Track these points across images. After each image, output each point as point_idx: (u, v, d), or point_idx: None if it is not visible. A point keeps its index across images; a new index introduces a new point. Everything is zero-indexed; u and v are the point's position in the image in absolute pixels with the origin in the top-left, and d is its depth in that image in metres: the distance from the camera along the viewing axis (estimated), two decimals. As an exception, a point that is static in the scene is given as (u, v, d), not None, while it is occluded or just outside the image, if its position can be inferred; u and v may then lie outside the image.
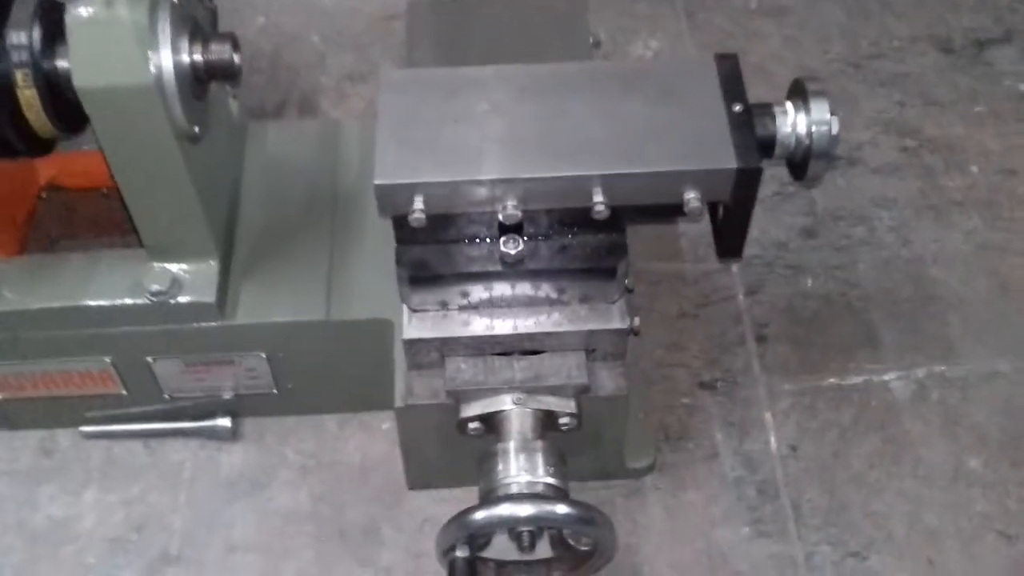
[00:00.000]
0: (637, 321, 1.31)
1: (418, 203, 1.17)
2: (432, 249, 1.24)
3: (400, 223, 1.21)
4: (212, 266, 1.35)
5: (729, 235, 1.27)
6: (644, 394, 1.51)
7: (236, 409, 1.51)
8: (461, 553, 1.17)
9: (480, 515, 1.16)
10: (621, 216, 1.22)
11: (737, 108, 1.20)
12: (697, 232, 1.70)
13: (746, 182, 1.18)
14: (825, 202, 1.73)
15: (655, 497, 1.46)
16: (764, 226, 1.70)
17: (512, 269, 1.23)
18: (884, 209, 1.72)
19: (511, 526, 1.18)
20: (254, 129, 1.53)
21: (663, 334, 1.60)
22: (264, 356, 1.41)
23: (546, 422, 1.28)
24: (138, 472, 1.49)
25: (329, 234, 1.43)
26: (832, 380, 1.55)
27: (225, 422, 1.49)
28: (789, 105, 1.23)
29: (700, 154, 1.17)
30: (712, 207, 1.26)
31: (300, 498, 1.46)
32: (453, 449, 1.35)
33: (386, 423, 1.51)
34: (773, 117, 1.22)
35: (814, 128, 1.22)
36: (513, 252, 1.22)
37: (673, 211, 1.21)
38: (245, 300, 1.37)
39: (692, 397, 1.54)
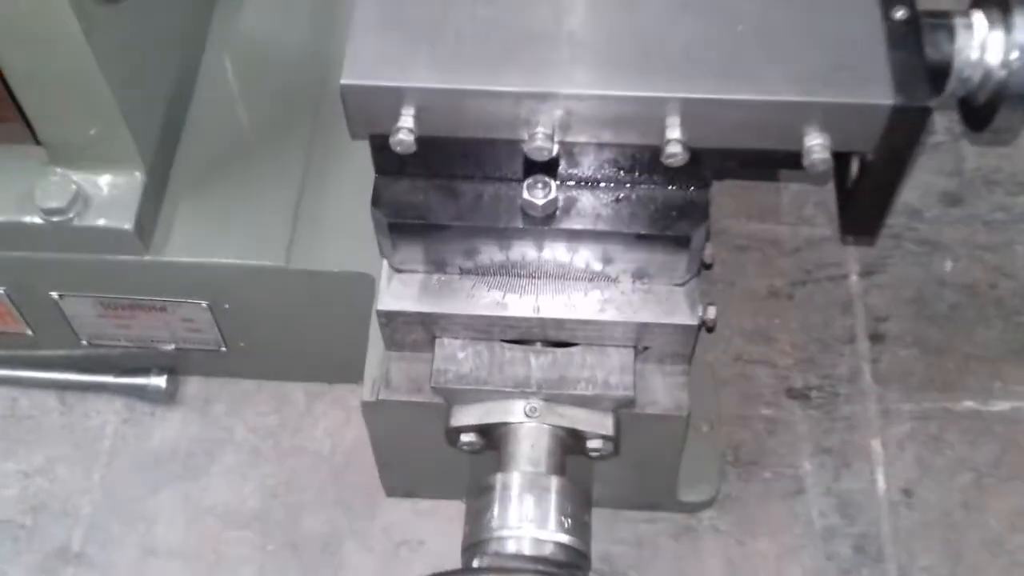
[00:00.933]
0: (712, 312, 0.93)
1: (405, 118, 0.78)
2: (425, 187, 0.86)
3: (379, 147, 0.83)
4: (135, 180, 0.98)
5: (864, 204, 0.86)
6: (711, 399, 1.12)
7: (177, 365, 1.16)
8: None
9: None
10: (705, 163, 0.82)
11: (899, 14, 0.79)
12: (801, 184, 1.29)
13: (904, 127, 0.77)
14: (977, 160, 1.31)
15: (714, 541, 1.08)
16: (894, 184, 1.29)
17: (538, 226, 0.85)
18: (1058, 175, 1.30)
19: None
20: (224, 3, 1.15)
21: (745, 318, 1.21)
22: (205, 306, 1.05)
23: (569, 444, 0.91)
24: (46, 435, 1.15)
25: (304, 152, 1.05)
26: (969, 403, 1.15)
27: (159, 381, 1.15)
28: (978, 16, 0.82)
29: (837, 80, 0.76)
30: (842, 160, 0.86)
31: (246, 492, 1.12)
32: (442, 457, 0.98)
33: (369, 402, 1.16)
34: (952, 32, 0.81)
35: (1015, 55, 0.80)
36: (540, 202, 0.83)
37: (785, 162, 0.82)
38: (180, 231, 1.01)
39: (776, 408, 1.16)
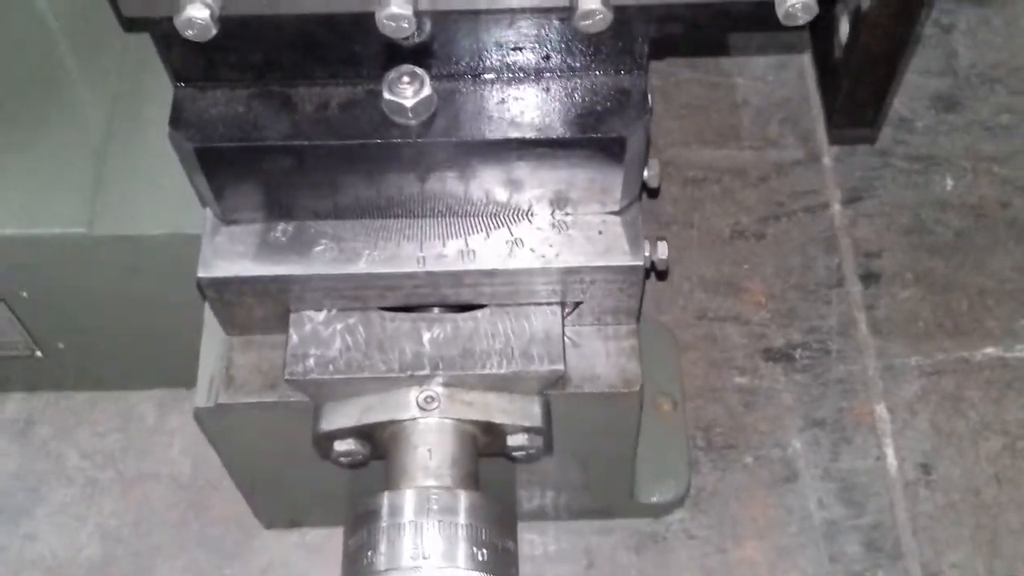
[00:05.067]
0: (663, 250, 0.68)
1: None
2: (246, 97, 0.61)
3: (168, 37, 0.57)
4: None
5: (862, 79, 0.62)
6: (671, 369, 0.88)
7: (-10, 380, 0.90)
8: None
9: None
10: (636, 30, 0.58)
11: None
12: (764, 98, 1.06)
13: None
14: (971, 55, 1.08)
15: (687, 551, 0.84)
16: (874, 92, 1.05)
17: (410, 139, 0.60)
18: (1067, 68, 1.07)
19: None
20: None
21: (707, 266, 0.97)
22: (-1, 299, 0.80)
23: (483, 444, 0.67)
24: None
25: (107, 103, 0.78)
26: (990, 350, 0.93)
27: (-39, 402, 0.89)
28: None
29: None
30: (824, 23, 0.62)
31: (82, 537, 0.86)
32: (319, 473, 0.73)
33: (238, 407, 0.90)
34: None
35: None
36: (410, 102, 0.58)
37: (746, 19, 0.58)
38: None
39: (753, 375, 0.92)
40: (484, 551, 0.60)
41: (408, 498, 0.61)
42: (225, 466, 0.75)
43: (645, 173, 0.68)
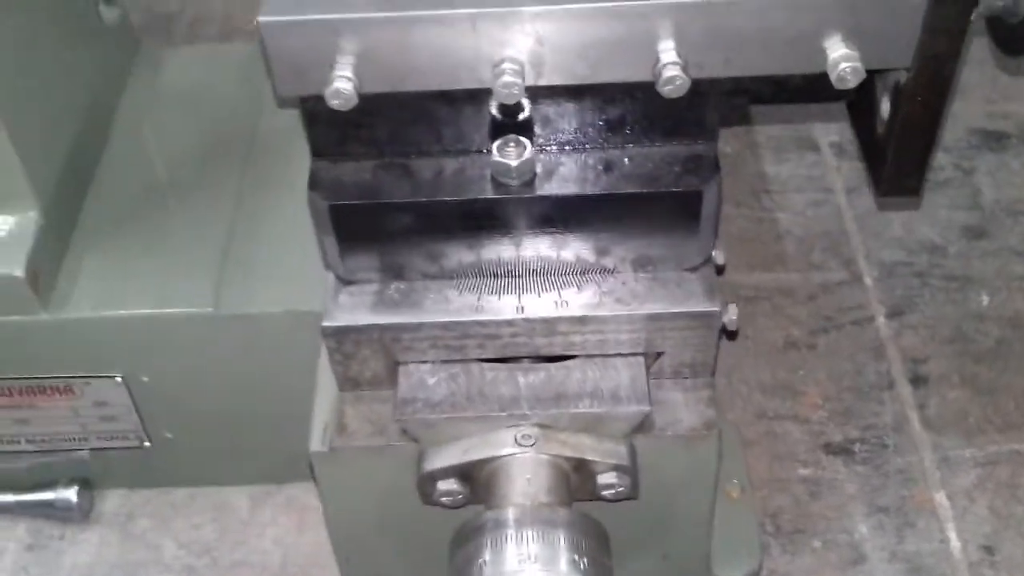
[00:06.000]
0: (734, 311, 0.76)
1: (342, 65, 0.64)
2: (373, 167, 0.70)
3: (314, 115, 0.68)
4: (28, 221, 0.82)
5: (904, 147, 0.71)
6: (738, 460, 0.93)
7: (92, 475, 0.96)
8: None
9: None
10: (709, 101, 0.68)
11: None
12: (806, 230, 1.15)
13: (945, 22, 0.64)
14: (995, 193, 1.18)
15: (763, 628, 0.87)
16: (909, 223, 1.15)
17: (515, 206, 0.69)
18: (1084, 202, 1.17)
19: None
20: (147, 53, 1.02)
21: (764, 372, 1.04)
22: (120, 380, 0.87)
23: (575, 483, 0.72)
24: (-70, 573, 0.93)
25: (234, 200, 0.90)
26: (1040, 443, 0.97)
27: (68, 494, 0.94)
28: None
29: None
30: (867, 106, 0.72)
31: (177, 620, 0.90)
32: (418, 532, 0.78)
33: (326, 501, 0.95)
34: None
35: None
36: (515, 162, 0.68)
37: (804, 90, 0.68)
38: (86, 283, 0.84)
39: (815, 467, 0.97)
40: (585, 560, 0.64)
41: (510, 512, 0.66)
42: (327, 521, 0.80)
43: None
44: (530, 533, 0.65)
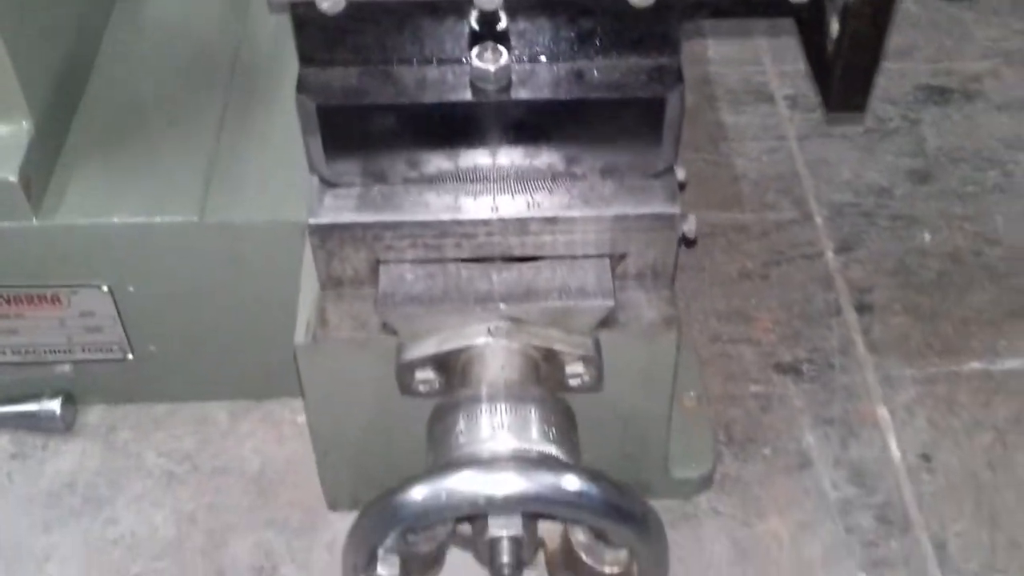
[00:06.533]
0: (692, 223, 0.81)
1: (332, -32, 0.68)
2: (358, 73, 0.75)
3: (302, 20, 0.72)
4: (21, 130, 0.86)
5: (851, 67, 0.77)
6: (694, 371, 0.99)
7: (75, 388, 0.99)
8: (386, 571, 0.64)
9: (422, 493, 0.63)
10: (672, 14, 0.73)
11: None
12: (760, 173, 1.21)
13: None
14: (938, 141, 1.25)
15: (716, 526, 0.93)
16: (857, 168, 1.22)
17: (492, 110, 0.74)
18: (1021, 151, 1.24)
19: (479, 511, 0.65)
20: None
21: (719, 300, 1.09)
22: (106, 290, 0.91)
23: (544, 372, 0.77)
24: (-85, 480, 0.97)
25: (219, 116, 0.94)
26: (976, 364, 1.04)
27: (52, 405, 0.98)
28: None
29: None
30: (814, 22, 0.78)
31: (159, 520, 0.94)
32: (395, 423, 0.83)
33: (301, 414, 0.99)
34: None
35: None
36: (493, 67, 0.73)
37: (762, 3, 0.73)
38: (75, 191, 0.88)
39: (766, 384, 1.03)
40: (554, 431, 0.69)
41: (484, 389, 0.71)
42: (308, 417, 0.85)
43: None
44: (503, 406, 0.70)
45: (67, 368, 0.98)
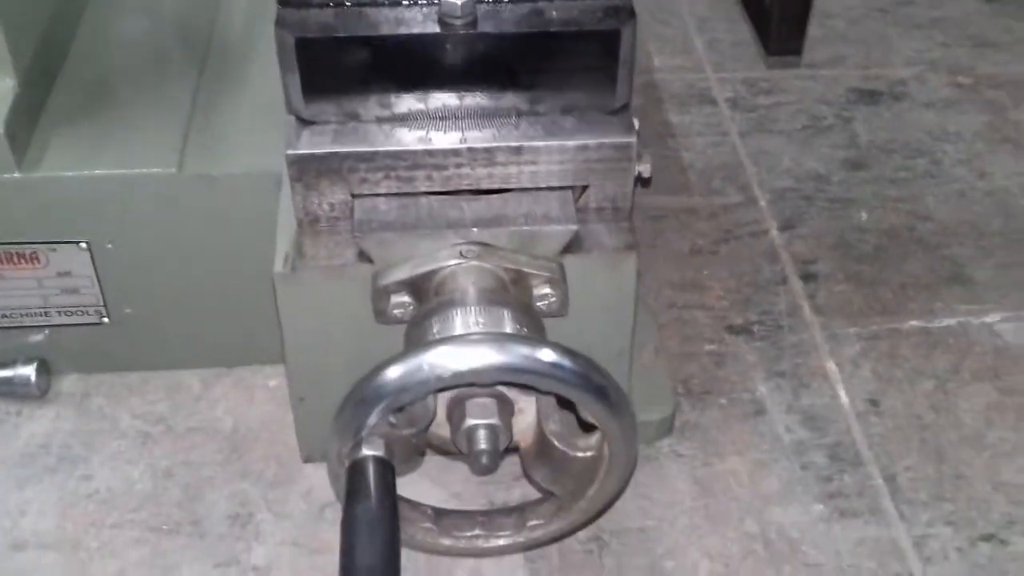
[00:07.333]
0: (647, 164, 0.87)
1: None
2: (332, 12, 0.80)
3: (281, -40, 0.78)
4: (6, 86, 0.90)
5: (788, 13, 0.85)
6: (650, 329, 1.04)
7: (49, 355, 1.01)
8: (370, 451, 0.67)
9: (403, 368, 0.67)
10: (622, -41, 0.80)
11: None
12: (706, 164, 1.28)
13: None
14: (870, 136, 1.33)
15: (678, 466, 0.96)
16: (796, 158, 1.29)
17: (460, 43, 0.80)
18: (947, 142, 1.32)
19: (459, 383, 0.69)
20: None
21: (673, 273, 1.15)
22: (84, 246, 0.94)
23: (513, 295, 0.81)
24: None
25: (196, 75, 0.99)
26: (915, 323, 1.10)
27: (28, 371, 0.99)
28: None
29: None
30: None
31: (134, 475, 0.95)
32: (371, 353, 0.85)
33: (274, 379, 1.03)
34: None
35: None
36: (460, 1, 0.78)
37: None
38: (57, 145, 0.92)
39: (720, 343, 1.07)
40: (526, 329, 0.73)
41: (457, 295, 0.75)
42: (286, 346, 0.87)
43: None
44: (476, 308, 0.73)
45: (41, 336, 1.00)
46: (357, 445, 0.68)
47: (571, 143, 0.82)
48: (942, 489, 0.95)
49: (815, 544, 0.90)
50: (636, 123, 0.88)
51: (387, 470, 0.66)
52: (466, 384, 0.70)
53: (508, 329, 0.72)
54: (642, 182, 0.89)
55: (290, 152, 0.81)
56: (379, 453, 0.67)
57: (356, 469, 0.66)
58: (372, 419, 0.67)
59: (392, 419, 0.69)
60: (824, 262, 1.16)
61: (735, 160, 1.29)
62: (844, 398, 1.02)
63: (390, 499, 0.64)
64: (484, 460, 0.70)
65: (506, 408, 0.73)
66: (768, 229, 1.20)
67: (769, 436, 0.99)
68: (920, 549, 0.90)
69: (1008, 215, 1.22)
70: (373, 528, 0.62)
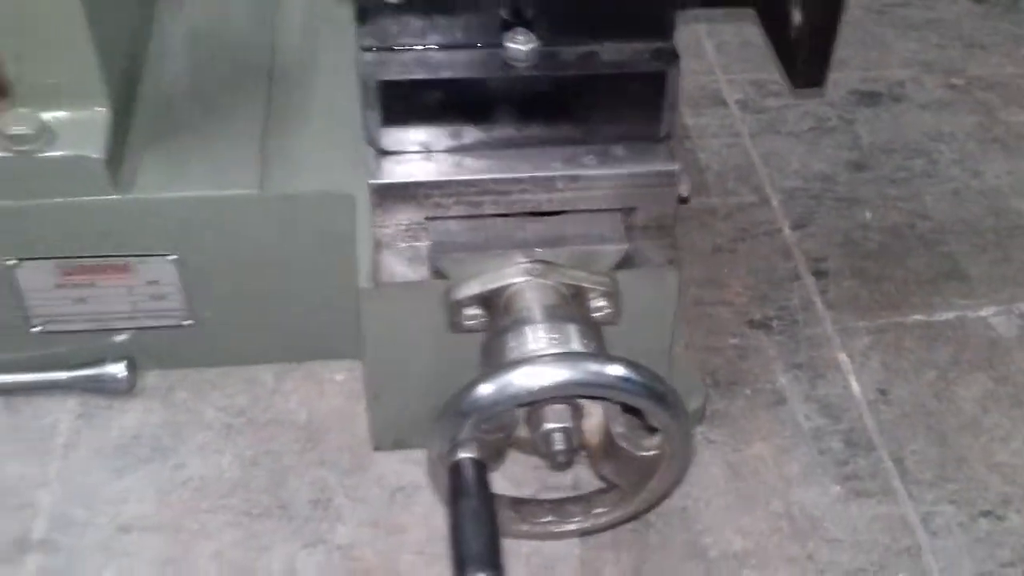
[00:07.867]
0: (687, 183, 0.97)
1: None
2: (410, 57, 0.90)
3: (363, 11, 0.87)
4: (100, 116, 0.98)
5: (813, 48, 0.94)
6: (679, 326, 1.14)
7: (134, 354, 1.11)
8: (467, 454, 0.77)
9: (492, 387, 0.77)
10: (666, 5, 0.90)
11: None
12: (721, 165, 1.38)
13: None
14: (871, 137, 1.43)
15: (711, 452, 1.07)
16: (804, 159, 1.39)
17: (524, 84, 0.89)
18: (942, 143, 1.43)
19: (541, 398, 0.79)
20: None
21: (697, 270, 1.25)
22: (172, 260, 1.03)
23: (573, 306, 0.92)
24: (-8, 439, 1.07)
25: (264, 101, 1.08)
26: (918, 317, 1.21)
27: (117, 368, 1.09)
28: None
29: None
30: (774, 11, 0.95)
31: (223, 463, 1.05)
32: (445, 359, 0.96)
33: (340, 373, 1.13)
34: None
35: None
36: (524, 47, 0.88)
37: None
38: (148, 168, 1.01)
39: (742, 337, 1.18)
40: (593, 344, 0.83)
41: (527, 315, 0.85)
42: (366, 351, 0.97)
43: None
44: (546, 325, 0.84)
45: (126, 336, 1.09)
46: (455, 449, 0.78)
47: (622, 171, 0.92)
48: (945, 471, 1.07)
49: (834, 521, 1.02)
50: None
51: (482, 469, 0.77)
52: (547, 397, 0.80)
53: (576, 344, 0.83)
54: (681, 200, 0.99)
55: (371, 182, 0.90)
56: (474, 455, 0.78)
57: (456, 469, 0.77)
58: (467, 427, 0.78)
59: (483, 425, 0.80)
60: (833, 259, 1.27)
61: (747, 161, 1.39)
62: (856, 388, 1.14)
63: (488, 494, 0.75)
64: (560, 459, 0.81)
65: (577, 413, 0.84)
66: (781, 228, 1.31)
67: (790, 424, 1.10)
68: (927, 524, 1.02)
69: (999, 213, 1.34)
70: (478, 520, 0.72)
